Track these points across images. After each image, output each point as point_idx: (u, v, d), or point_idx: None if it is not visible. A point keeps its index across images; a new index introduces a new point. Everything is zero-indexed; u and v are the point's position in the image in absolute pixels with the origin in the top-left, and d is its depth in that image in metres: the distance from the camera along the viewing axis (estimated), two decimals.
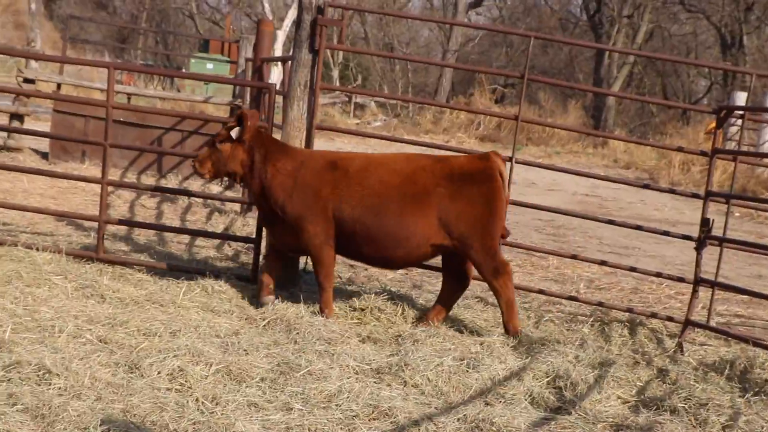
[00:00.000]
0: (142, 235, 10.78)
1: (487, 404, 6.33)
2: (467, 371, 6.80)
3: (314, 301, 8.27)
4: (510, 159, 8.94)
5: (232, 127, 7.82)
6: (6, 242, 8.86)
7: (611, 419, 6.28)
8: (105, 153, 8.97)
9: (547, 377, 6.89)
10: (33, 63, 16.57)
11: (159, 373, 6.02)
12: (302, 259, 9.09)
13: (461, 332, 7.96)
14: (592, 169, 25.02)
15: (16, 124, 16.23)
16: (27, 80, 16.20)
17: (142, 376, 5.98)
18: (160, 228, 10.73)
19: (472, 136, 32.03)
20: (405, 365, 6.66)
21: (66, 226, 10.81)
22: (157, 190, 11.51)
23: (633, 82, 48.33)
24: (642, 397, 6.80)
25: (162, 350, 6.39)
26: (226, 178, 8.14)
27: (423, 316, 8.20)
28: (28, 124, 17.81)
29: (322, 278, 7.97)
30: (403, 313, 8.27)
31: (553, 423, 6.09)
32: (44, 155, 16.25)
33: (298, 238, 7.92)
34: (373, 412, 5.85)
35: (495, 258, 7.82)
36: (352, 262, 10.17)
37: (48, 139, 16.35)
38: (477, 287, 9.78)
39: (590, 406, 6.46)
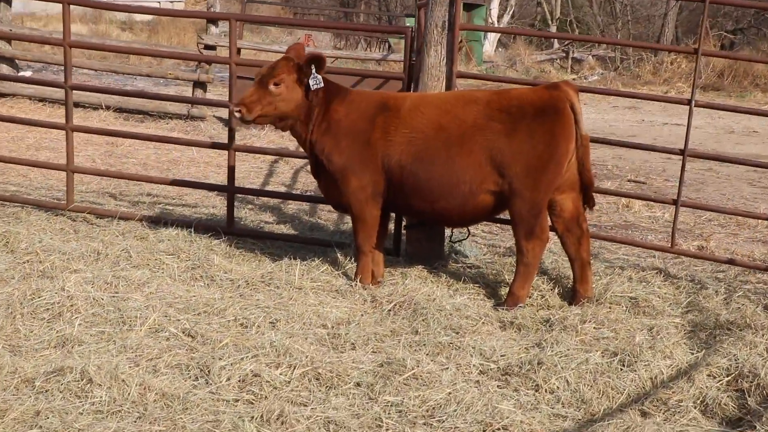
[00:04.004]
0: (292, 206, 9.68)
1: (642, 415, 4.85)
2: (620, 370, 5.31)
3: (459, 278, 6.96)
4: (689, 102, 7.28)
5: (303, 70, 6.53)
6: (134, 217, 8.07)
7: None
8: (230, 115, 7.96)
9: (728, 376, 5.28)
10: (213, 29, 15.91)
11: (228, 379, 4.86)
12: (447, 230, 7.73)
13: (629, 312, 6.39)
14: None
15: (199, 91, 15.69)
16: (207, 47, 15.58)
17: (207, 383, 4.85)
18: (289, 196, 9.69)
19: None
20: (539, 364, 5.24)
21: (216, 197, 9.90)
22: (279, 154, 10.59)
23: None
24: None
25: (243, 348, 5.23)
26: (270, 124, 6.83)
27: (575, 292, 6.69)
28: (212, 91, 17.37)
29: (361, 240, 6.77)
30: (561, 290, 6.81)
31: None
32: (227, 122, 15.62)
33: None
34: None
35: (537, 218, 6.40)
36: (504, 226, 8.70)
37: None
38: (659, 257, 8.15)
39: None
